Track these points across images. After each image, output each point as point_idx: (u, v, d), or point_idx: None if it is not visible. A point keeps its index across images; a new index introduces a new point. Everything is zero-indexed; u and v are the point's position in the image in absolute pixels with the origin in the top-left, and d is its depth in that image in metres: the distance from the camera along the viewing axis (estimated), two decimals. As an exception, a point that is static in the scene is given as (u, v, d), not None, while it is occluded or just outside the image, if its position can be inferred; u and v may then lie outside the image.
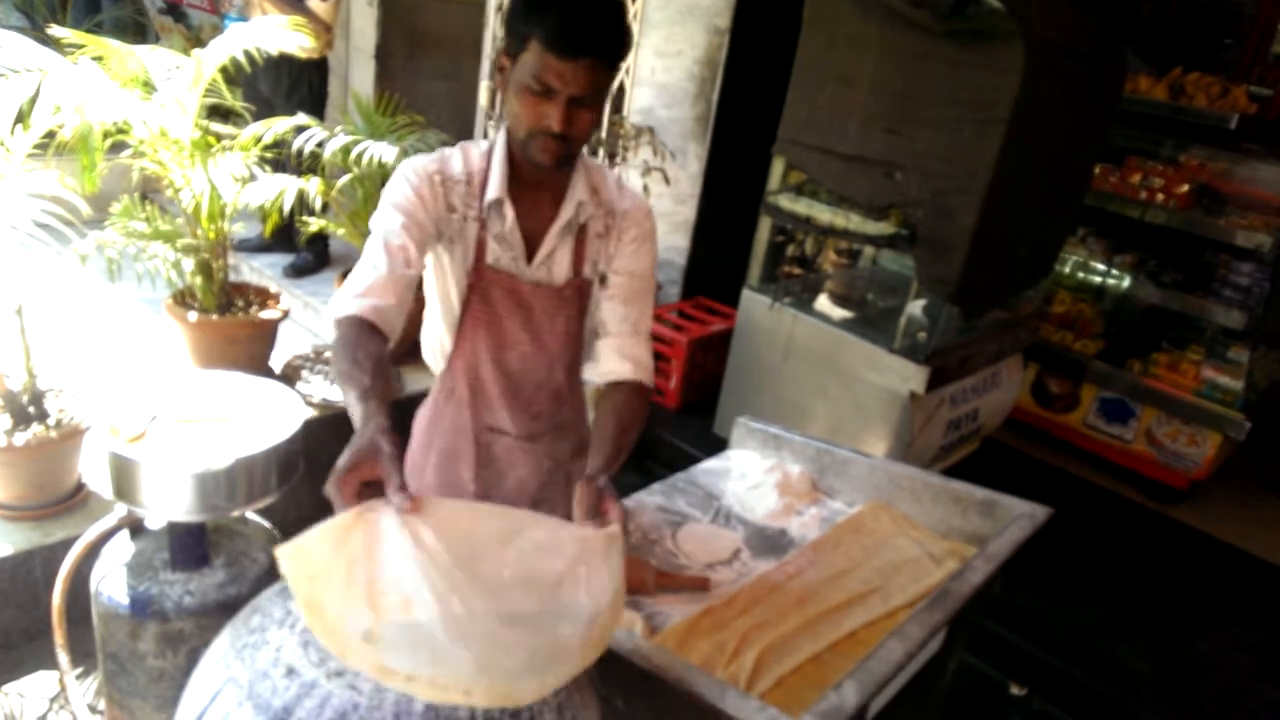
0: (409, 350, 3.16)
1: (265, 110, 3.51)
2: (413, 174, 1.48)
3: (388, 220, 1.44)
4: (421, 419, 1.75)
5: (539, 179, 1.50)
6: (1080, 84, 2.79)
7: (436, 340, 1.66)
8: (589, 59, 1.32)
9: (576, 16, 1.31)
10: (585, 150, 1.56)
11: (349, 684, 0.87)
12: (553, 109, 1.36)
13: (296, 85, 4.10)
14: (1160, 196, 3.69)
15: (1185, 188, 3.65)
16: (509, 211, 1.50)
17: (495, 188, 1.48)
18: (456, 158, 1.52)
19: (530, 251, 1.55)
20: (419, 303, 3.35)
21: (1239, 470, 3.97)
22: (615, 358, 1.58)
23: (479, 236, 1.51)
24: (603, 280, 1.60)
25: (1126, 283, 4.02)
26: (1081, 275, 4.22)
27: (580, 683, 1.02)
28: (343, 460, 1.03)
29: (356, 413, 1.16)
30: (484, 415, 1.68)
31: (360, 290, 1.38)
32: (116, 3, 5.81)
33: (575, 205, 1.52)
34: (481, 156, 1.53)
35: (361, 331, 1.33)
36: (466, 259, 1.53)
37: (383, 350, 1.33)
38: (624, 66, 4.16)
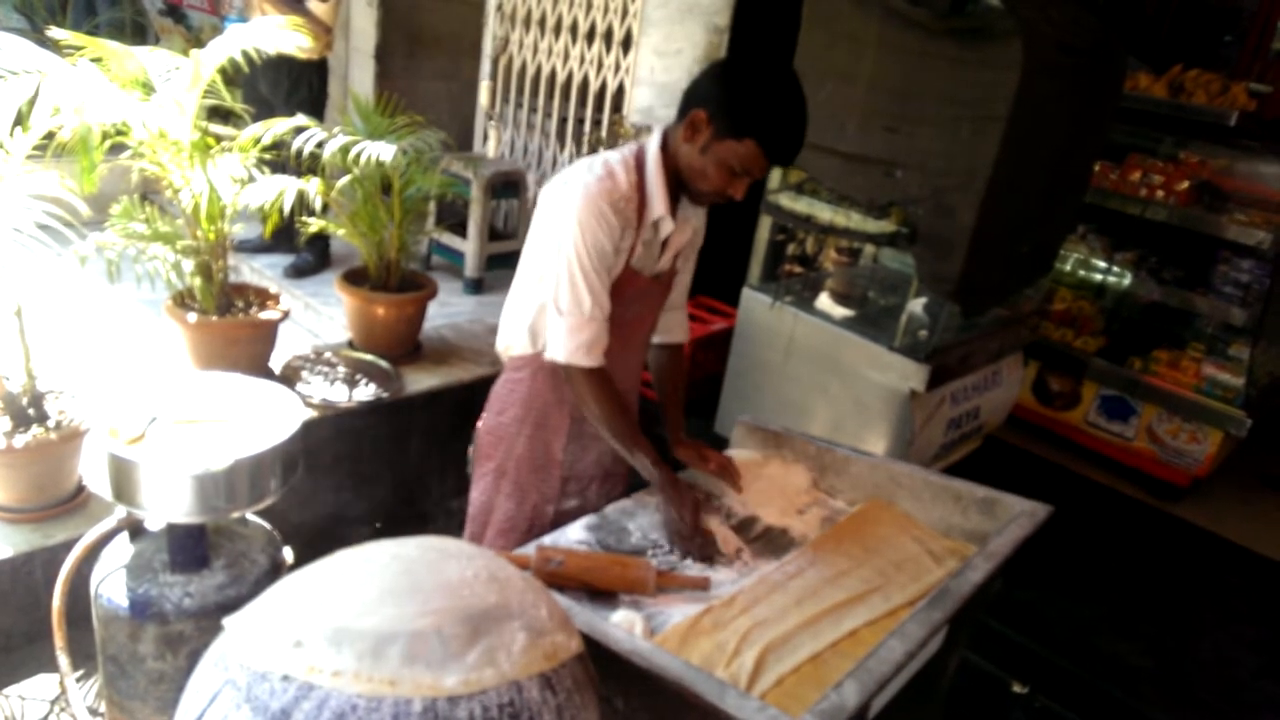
0: (410, 350, 3.17)
1: (265, 111, 3.51)
2: (608, 208, 1.63)
3: (587, 268, 1.63)
4: (516, 394, 1.88)
5: (703, 205, 1.77)
6: (1080, 81, 2.78)
7: (539, 321, 1.77)
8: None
9: (796, 133, 1.60)
10: (596, 153, 1.81)
11: (348, 685, 0.87)
12: (741, 185, 1.63)
13: (296, 86, 4.10)
14: (1160, 193, 3.69)
15: (1185, 185, 3.64)
16: (668, 225, 1.72)
17: (660, 206, 1.68)
18: (620, 174, 1.66)
19: (661, 249, 1.79)
20: (417, 305, 3.34)
21: (1240, 467, 3.97)
22: (678, 325, 2.01)
23: (633, 243, 1.70)
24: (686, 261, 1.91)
25: (1127, 280, 4.02)
26: (1082, 273, 4.21)
27: (580, 683, 1.02)
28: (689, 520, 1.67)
29: (650, 475, 1.72)
30: None
31: (589, 342, 1.66)
32: (116, 4, 5.81)
33: (695, 216, 1.82)
34: (634, 170, 1.68)
35: (612, 387, 1.72)
36: (620, 260, 1.70)
37: (616, 390, 1.75)
38: (620, 72, 4.16)
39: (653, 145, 1.68)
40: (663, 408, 2.00)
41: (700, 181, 1.64)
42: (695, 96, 1.61)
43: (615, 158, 1.69)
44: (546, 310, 1.71)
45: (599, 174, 1.65)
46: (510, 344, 1.85)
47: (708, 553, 1.66)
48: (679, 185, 1.70)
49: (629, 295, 1.73)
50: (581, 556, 1.56)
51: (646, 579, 1.53)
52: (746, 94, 1.57)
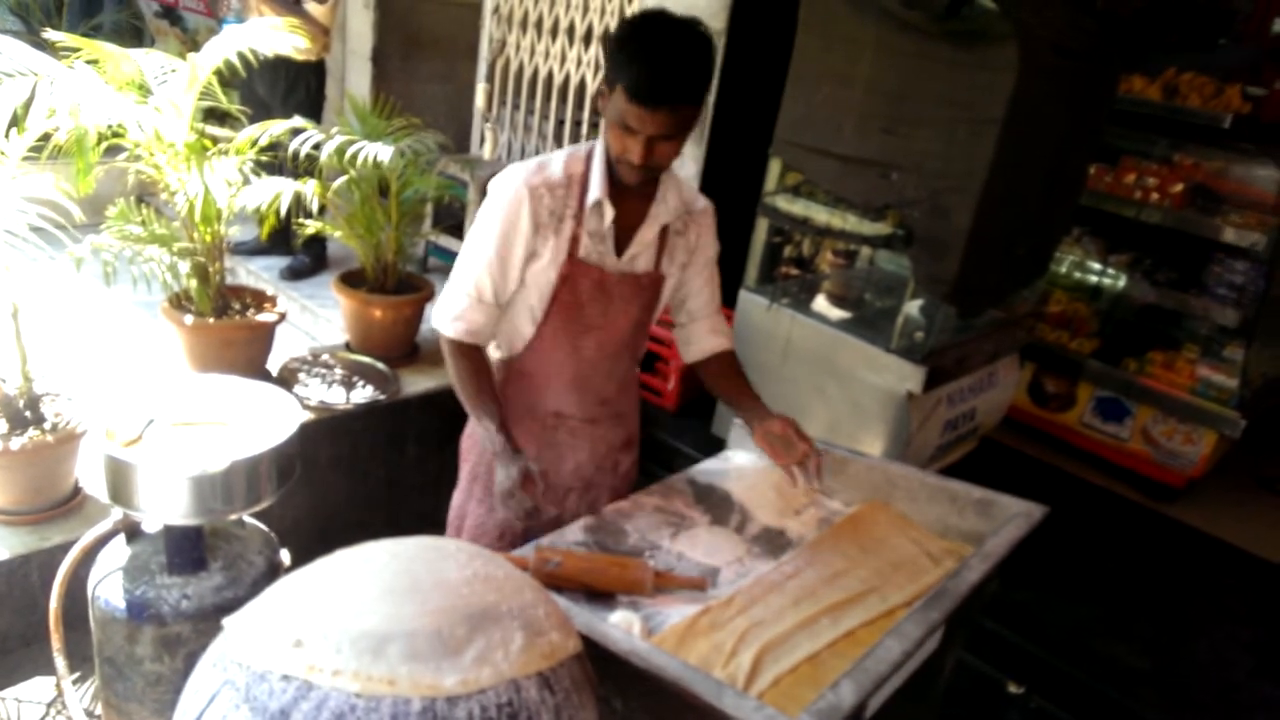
0: (408, 352, 3.17)
1: (262, 113, 3.51)
2: (511, 191, 1.64)
3: (483, 248, 1.66)
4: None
5: (631, 183, 1.65)
6: (1075, 84, 2.80)
7: (513, 329, 1.79)
8: (665, 108, 1.48)
9: (656, 71, 1.46)
10: None
11: (346, 685, 0.88)
12: (635, 144, 1.53)
13: (294, 88, 4.10)
14: (1155, 196, 3.70)
15: (1180, 187, 3.65)
16: (609, 211, 1.66)
17: (597, 189, 1.64)
18: (558, 161, 1.68)
19: (620, 244, 1.72)
20: (415, 306, 3.35)
21: (1235, 468, 3.97)
22: (711, 336, 1.93)
23: (574, 232, 1.67)
24: (683, 271, 1.83)
25: (1122, 282, 4.03)
26: (1077, 275, 4.22)
27: (578, 682, 1.03)
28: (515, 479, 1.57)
29: (491, 441, 1.63)
30: (551, 400, 1.81)
31: (459, 313, 1.69)
32: (112, 6, 5.81)
33: (670, 212, 1.73)
34: (581, 160, 1.68)
35: (466, 355, 1.69)
36: (560, 254, 1.67)
37: (485, 363, 1.73)
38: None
39: (600, 137, 1.66)
40: (738, 409, 1.91)
41: (611, 152, 1.60)
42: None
43: (565, 151, 1.71)
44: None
45: (529, 164, 1.67)
46: (490, 348, 1.85)
47: (526, 508, 1.63)
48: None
49: (585, 289, 1.70)
50: (579, 557, 1.56)
51: (644, 580, 1.53)
52: (614, 44, 1.52)
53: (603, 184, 1.64)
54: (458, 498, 1.94)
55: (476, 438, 1.88)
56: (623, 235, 1.72)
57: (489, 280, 1.68)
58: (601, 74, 1.58)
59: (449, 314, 1.70)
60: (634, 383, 1.96)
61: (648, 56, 1.47)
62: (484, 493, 1.86)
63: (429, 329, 3.33)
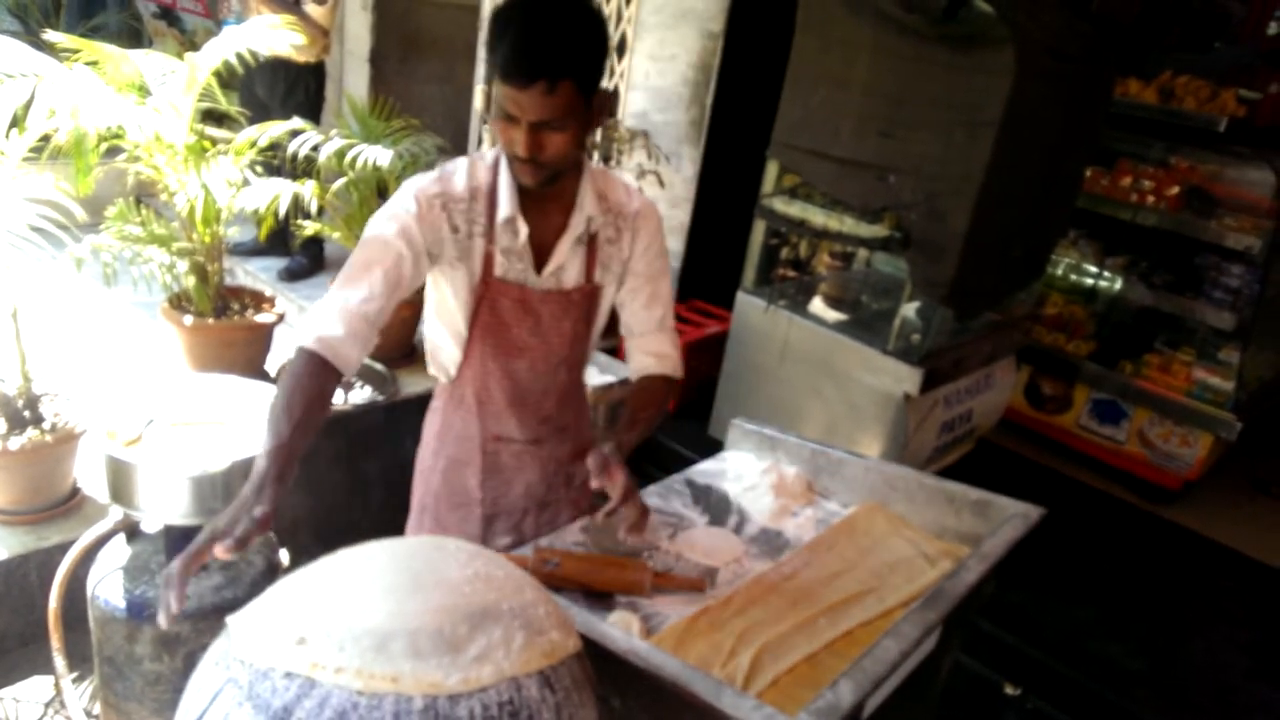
0: (406, 353, 3.17)
1: (261, 114, 3.52)
2: (411, 202, 1.46)
3: (369, 254, 1.42)
4: (431, 426, 1.77)
5: (544, 190, 1.48)
6: (1071, 87, 2.81)
7: (444, 352, 1.66)
8: (540, 84, 1.30)
9: (525, 44, 1.30)
10: (590, 158, 1.60)
11: (349, 683, 0.88)
12: (518, 134, 1.36)
13: (293, 89, 4.10)
14: (1151, 199, 3.72)
15: (1175, 190, 3.67)
16: (522, 228, 1.50)
17: (506, 206, 1.48)
18: (460, 174, 1.52)
19: (539, 259, 1.55)
20: (413, 308, 3.35)
21: (1230, 471, 3.99)
22: (642, 355, 1.71)
23: (487, 251, 1.51)
24: (620, 282, 1.66)
25: (1118, 284, 4.04)
26: (1073, 277, 4.24)
27: (579, 681, 1.03)
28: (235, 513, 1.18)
29: (259, 467, 1.22)
30: (491, 424, 1.69)
31: (316, 318, 1.38)
32: (111, 7, 5.80)
33: (585, 219, 1.54)
34: (488, 170, 1.53)
35: (301, 364, 1.34)
36: (474, 274, 1.53)
37: (324, 390, 1.34)
38: (615, 77, 4.17)
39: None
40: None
41: (504, 153, 1.46)
42: None
43: (466, 160, 1.55)
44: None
45: (432, 175, 1.51)
46: (432, 372, 1.73)
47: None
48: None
49: (507, 310, 1.55)
50: (578, 558, 1.57)
51: (643, 580, 1.53)
52: (489, 28, 1.35)
53: (512, 198, 1.48)
54: (410, 533, 1.82)
55: (421, 467, 1.79)
56: (542, 249, 1.55)
57: (361, 291, 1.40)
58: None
59: (311, 317, 1.40)
60: (578, 394, 1.80)
61: (517, 29, 1.30)
62: (433, 525, 1.77)
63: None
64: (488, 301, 1.55)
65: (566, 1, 1.35)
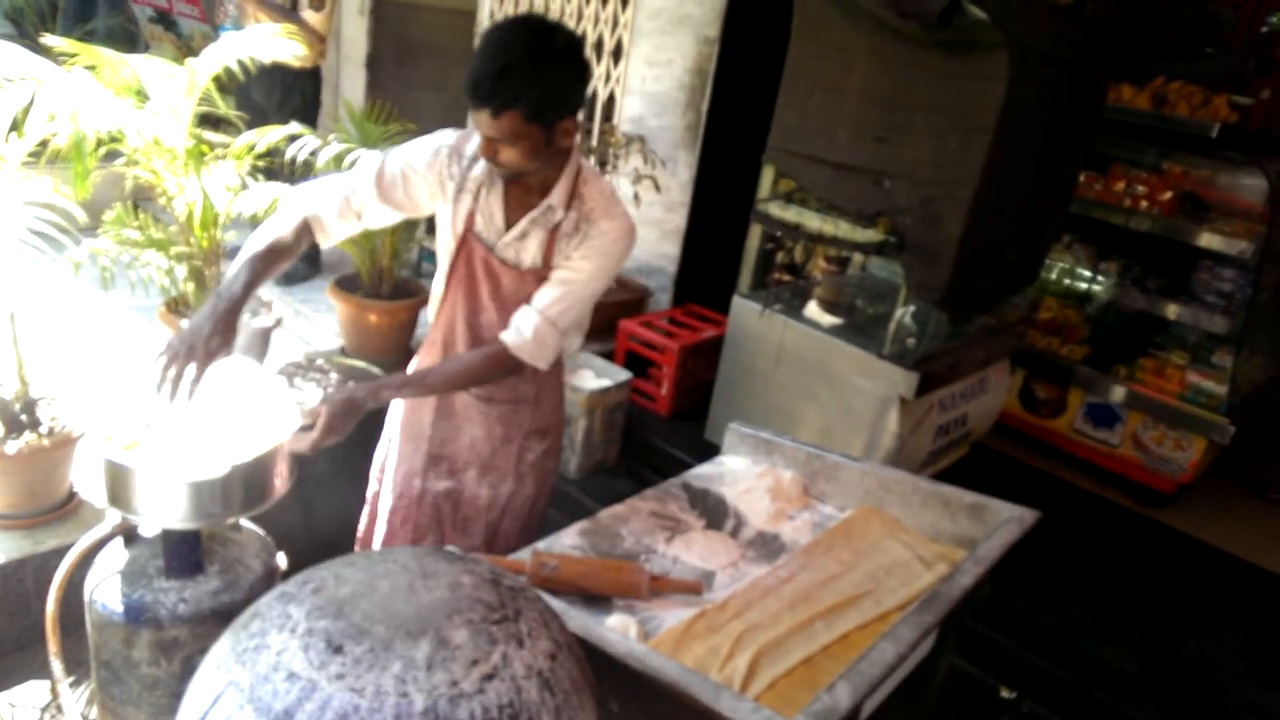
0: (404, 355, 3.17)
1: (259, 119, 3.51)
2: (435, 143, 1.73)
3: (390, 161, 1.72)
4: (413, 364, 2.00)
5: (520, 177, 1.68)
6: (1064, 92, 2.83)
7: (435, 289, 1.88)
8: (486, 110, 1.51)
9: (479, 73, 1.50)
10: (587, 160, 1.81)
11: (350, 687, 0.89)
12: (482, 140, 1.59)
13: (290, 94, 4.10)
14: (1144, 204, 3.74)
15: (1169, 195, 3.69)
16: (499, 184, 1.72)
17: (481, 168, 1.71)
18: (477, 136, 1.67)
19: (509, 229, 1.76)
20: (410, 311, 3.35)
21: (1224, 474, 4.01)
22: (510, 322, 1.75)
23: (470, 208, 1.74)
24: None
25: (1111, 289, 4.06)
26: (1067, 281, 4.26)
27: (578, 684, 1.04)
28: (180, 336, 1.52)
29: (218, 291, 1.58)
30: None
31: (307, 191, 1.74)
32: (107, 11, 5.80)
33: (545, 207, 1.71)
34: None
35: (277, 219, 1.71)
36: (459, 221, 1.76)
37: (287, 242, 1.71)
38: (611, 82, 4.18)
39: None
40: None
41: None
42: None
43: None
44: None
45: (461, 131, 1.77)
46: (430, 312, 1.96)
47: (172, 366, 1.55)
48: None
49: (476, 265, 1.77)
50: (575, 561, 1.57)
51: (640, 583, 1.54)
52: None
53: (492, 169, 1.70)
54: (377, 454, 2.12)
55: (399, 407, 2.01)
56: (513, 222, 1.75)
57: (361, 192, 1.72)
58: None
59: (311, 194, 1.75)
60: (547, 374, 1.89)
61: (480, 55, 1.51)
62: (387, 447, 2.06)
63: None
64: (464, 253, 1.77)
65: (532, 36, 1.52)
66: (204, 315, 1.55)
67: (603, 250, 1.72)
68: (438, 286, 1.87)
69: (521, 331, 1.73)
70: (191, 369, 1.53)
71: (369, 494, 2.15)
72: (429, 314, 1.95)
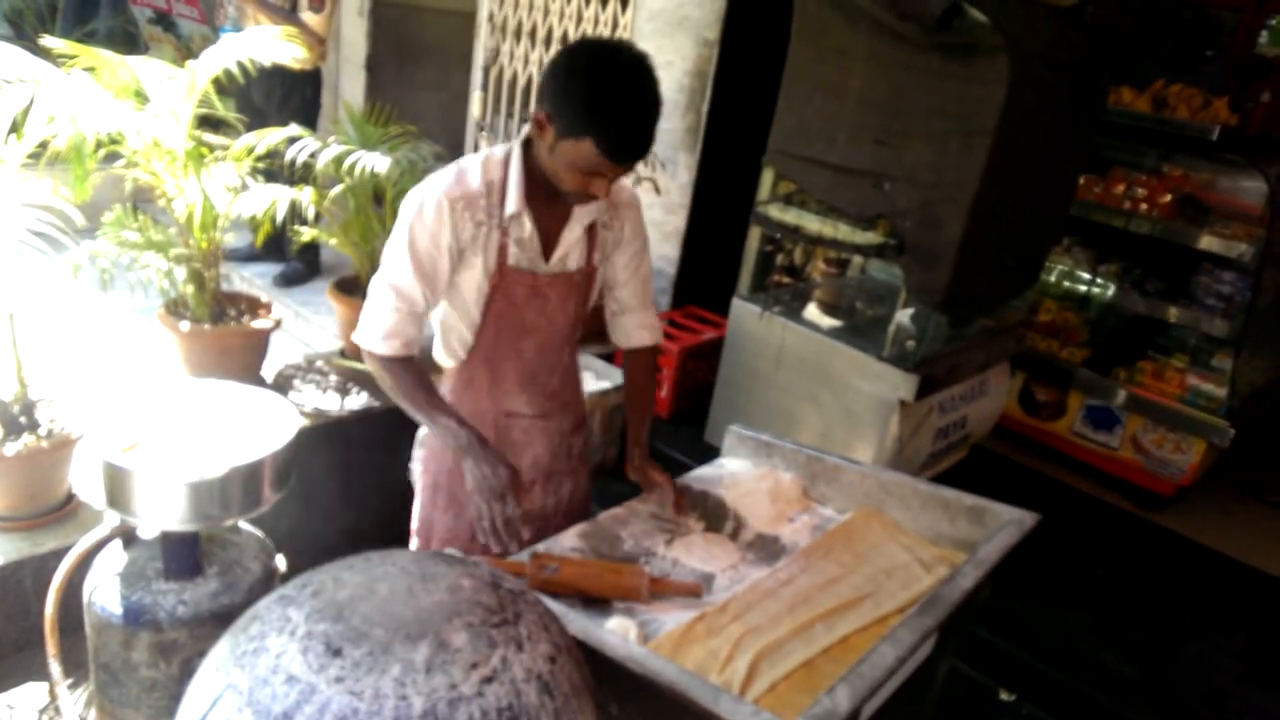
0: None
1: (258, 121, 3.52)
2: (433, 204, 1.59)
3: (407, 262, 1.61)
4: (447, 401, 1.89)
5: (554, 188, 1.61)
6: (1064, 95, 2.83)
7: (455, 335, 1.77)
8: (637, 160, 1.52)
9: (632, 133, 1.48)
10: None
11: (349, 690, 0.88)
12: (601, 184, 1.54)
13: (289, 96, 4.11)
14: (1144, 206, 3.74)
15: (1168, 198, 3.70)
16: (527, 222, 1.64)
17: (513, 202, 1.61)
18: (474, 171, 1.63)
19: (547, 247, 1.70)
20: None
21: (1223, 477, 4.01)
22: (638, 330, 1.92)
23: (501, 242, 1.65)
24: (607, 262, 1.82)
25: (1111, 291, 4.06)
26: (1067, 284, 4.26)
27: (577, 687, 1.04)
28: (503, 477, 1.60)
29: (457, 439, 1.63)
30: (502, 401, 1.81)
31: (386, 331, 1.64)
32: (106, 13, 5.80)
33: (596, 210, 1.70)
34: (499, 166, 1.65)
35: (407, 369, 1.67)
36: (489, 263, 1.65)
37: (424, 370, 1.70)
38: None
39: (516, 142, 1.65)
40: (627, 421, 1.96)
41: (557, 181, 1.57)
42: (540, 95, 1.55)
43: (480, 156, 1.66)
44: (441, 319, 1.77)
45: (447, 174, 1.63)
46: (438, 357, 1.84)
47: (509, 520, 1.60)
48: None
49: (520, 296, 1.69)
50: (575, 563, 1.57)
51: (640, 586, 1.54)
52: (578, 92, 1.47)
53: (519, 196, 1.61)
54: (423, 510, 1.92)
55: (433, 448, 1.86)
56: (549, 238, 1.70)
57: (419, 292, 1.63)
58: (544, 104, 1.53)
59: (378, 332, 1.65)
60: (575, 369, 1.95)
61: (622, 118, 1.46)
62: (448, 501, 1.85)
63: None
64: (502, 289, 1.68)
65: (649, 78, 1.50)
66: (477, 461, 1.61)
67: (639, 218, 1.83)
68: (460, 333, 1.76)
69: (656, 326, 1.93)
70: (511, 506, 1.60)
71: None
72: (448, 353, 1.81)
